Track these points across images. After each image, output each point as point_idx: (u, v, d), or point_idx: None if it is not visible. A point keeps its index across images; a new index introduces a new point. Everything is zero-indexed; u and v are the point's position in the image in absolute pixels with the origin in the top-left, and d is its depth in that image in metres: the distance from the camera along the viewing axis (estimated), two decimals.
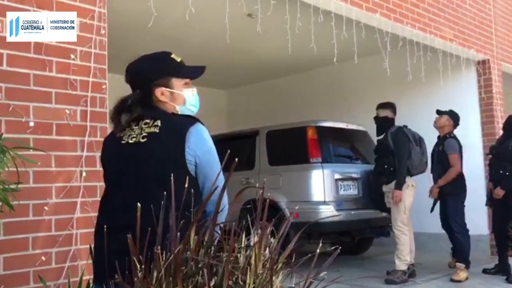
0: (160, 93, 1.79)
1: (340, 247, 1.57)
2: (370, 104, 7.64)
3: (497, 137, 6.62)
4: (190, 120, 1.75)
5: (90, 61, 3.06)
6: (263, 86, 9.27)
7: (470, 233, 6.02)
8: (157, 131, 1.69)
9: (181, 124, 1.72)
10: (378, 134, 5.68)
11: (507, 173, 5.20)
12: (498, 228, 5.50)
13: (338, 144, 6.50)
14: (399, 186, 5.16)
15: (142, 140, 1.69)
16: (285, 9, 4.41)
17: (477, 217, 6.47)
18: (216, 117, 9.23)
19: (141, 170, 1.68)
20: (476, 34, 6.75)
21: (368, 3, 5.10)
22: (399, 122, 7.41)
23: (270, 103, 9.06)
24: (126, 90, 1.84)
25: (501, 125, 6.81)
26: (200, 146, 1.70)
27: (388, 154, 5.34)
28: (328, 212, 5.65)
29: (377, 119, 5.65)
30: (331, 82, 8.16)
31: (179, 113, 1.82)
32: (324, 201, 5.69)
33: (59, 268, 2.80)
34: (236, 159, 1.46)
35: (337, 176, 5.85)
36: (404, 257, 5.13)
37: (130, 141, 1.71)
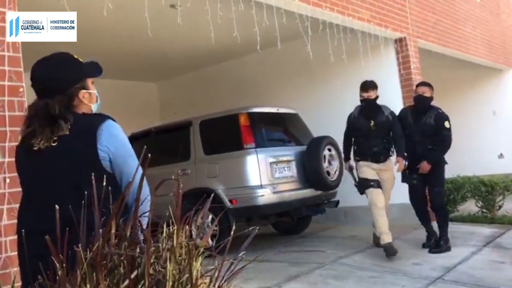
0: (82, 95, 1.81)
1: (257, 227, 1.68)
2: (298, 88, 7.90)
3: None
4: (100, 117, 1.78)
5: (4, 64, 2.98)
6: (193, 76, 9.27)
7: (399, 202, 6.41)
8: (67, 132, 1.71)
9: (91, 123, 1.75)
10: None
11: (432, 147, 5.34)
12: (421, 201, 5.60)
13: (270, 129, 6.65)
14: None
15: (53, 144, 1.70)
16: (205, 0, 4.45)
17: (403, 186, 6.89)
18: (148, 110, 9.16)
19: (56, 174, 1.69)
20: (392, 14, 7.09)
21: None
22: (326, 103, 7.71)
23: (202, 93, 9.09)
24: None
25: None
26: (112, 142, 1.74)
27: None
28: (265, 195, 5.81)
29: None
30: (259, 68, 8.31)
31: (93, 112, 1.85)
32: (261, 185, 5.83)
33: None
34: (149, 154, 1.52)
35: (271, 159, 5.99)
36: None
37: (41, 147, 1.71)
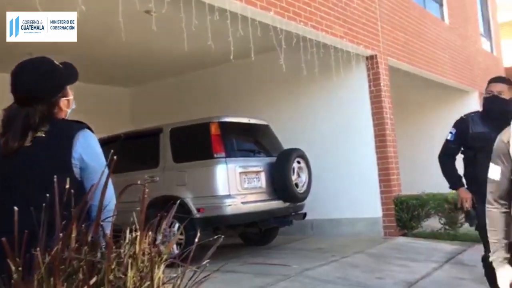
0: (62, 103, 1.82)
1: (223, 236, 1.67)
2: (270, 99, 7.96)
3: (390, 126, 7.16)
4: (78, 125, 1.77)
5: None
6: (167, 84, 9.23)
7: (366, 216, 6.46)
8: (43, 135, 1.70)
9: (68, 129, 1.74)
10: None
11: None
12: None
13: (241, 139, 6.66)
14: None
15: (27, 145, 1.69)
16: (180, 7, 4.44)
17: (371, 201, 7.01)
18: (119, 116, 9.05)
19: (25, 175, 1.67)
20: (364, 32, 7.23)
21: (263, 1, 5.28)
22: (298, 116, 7.76)
23: (174, 100, 9.05)
24: None
25: (389, 116, 7.41)
26: (86, 151, 1.74)
27: None
28: (233, 205, 5.79)
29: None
30: (233, 78, 8.34)
31: (67, 115, 1.85)
32: (229, 195, 5.82)
33: None
34: (115, 157, 1.50)
35: (240, 170, 6.00)
36: None
37: (14, 148, 1.69)
